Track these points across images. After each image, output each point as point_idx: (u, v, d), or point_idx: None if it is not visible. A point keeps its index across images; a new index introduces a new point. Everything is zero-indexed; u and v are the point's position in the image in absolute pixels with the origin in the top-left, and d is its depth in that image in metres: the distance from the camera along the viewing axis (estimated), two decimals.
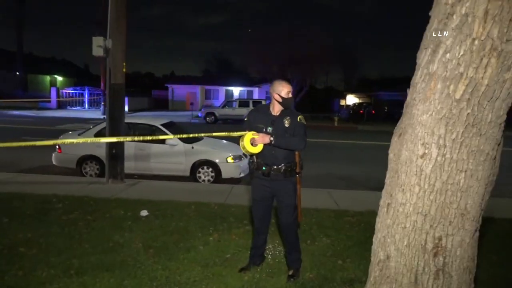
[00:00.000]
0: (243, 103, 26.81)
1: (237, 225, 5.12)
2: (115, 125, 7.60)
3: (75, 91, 32.03)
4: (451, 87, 1.92)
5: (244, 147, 3.46)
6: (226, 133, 3.82)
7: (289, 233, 3.66)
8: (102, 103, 26.07)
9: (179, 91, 39.77)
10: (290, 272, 3.65)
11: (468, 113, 1.94)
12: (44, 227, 4.70)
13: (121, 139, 6.98)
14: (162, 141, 8.41)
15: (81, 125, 17.17)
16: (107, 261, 3.79)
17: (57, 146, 8.64)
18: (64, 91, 33.04)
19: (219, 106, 28.29)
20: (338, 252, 4.35)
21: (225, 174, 8.25)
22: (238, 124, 24.33)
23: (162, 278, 3.50)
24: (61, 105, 31.54)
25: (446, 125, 2.01)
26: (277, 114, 3.50)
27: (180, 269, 3.70)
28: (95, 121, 17.20)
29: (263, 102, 27.31)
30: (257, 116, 3.60)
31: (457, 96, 1.93)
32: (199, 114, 27.30)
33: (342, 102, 46.32)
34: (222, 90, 39.61)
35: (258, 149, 3.46)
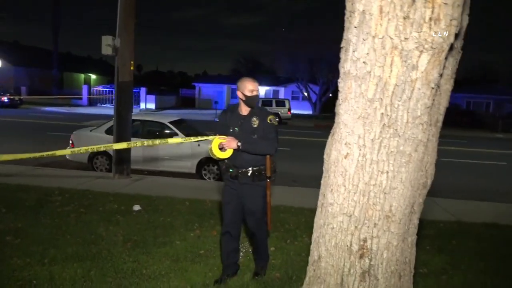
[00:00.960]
0: (266, 102, 26.79)
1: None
2: (122, 122, 7.84)
3: (105, 89, 33.08)
4: (363, 86, 1.89)
5: (211, 152, 3.33)
6: (193, 138, 3.76)
7: (255, 239, 3.57)
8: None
9: (205, 90, 40.31)
10: (256, 270, 3.66)
11: (382, 113, 1.91)
12: (36, 218, 4.93)
13: (132, 144, 7.22)
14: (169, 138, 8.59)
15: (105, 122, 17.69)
16: (82, 252, 3.94)
17: (70, 141, 9.01)
18: (95, 88, 34.21)
19: None
20: None
21: None
22: None
23: (129, 270, 3.61)
24: (92, 102, 32.68)
25: (363, 125, 1.98)
26: (246, 113, 3.35)
27: (149, 263, 3.80)
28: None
29: (287, 102, 27.21)
30: (226, 117, 3.45)
31: (370, 96, 1.89)
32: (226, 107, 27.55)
33: None
34: None
35: (227, 154, 3.32)
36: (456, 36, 1.82)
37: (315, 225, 2.45)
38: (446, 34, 1.67)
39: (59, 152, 3.80)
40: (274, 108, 25.76)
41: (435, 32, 1.66)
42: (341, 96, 2.08)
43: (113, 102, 8.34)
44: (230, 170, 3.37)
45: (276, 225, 5.06)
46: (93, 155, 8.74)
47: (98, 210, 5.44)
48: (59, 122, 19.02)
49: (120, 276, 3.49)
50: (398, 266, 2.22)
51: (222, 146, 3.28)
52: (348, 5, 1.91)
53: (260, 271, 3.64)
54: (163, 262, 3.82)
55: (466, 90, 37.05)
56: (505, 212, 6.53)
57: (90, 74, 46.68)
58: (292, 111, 27.30)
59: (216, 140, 3.30)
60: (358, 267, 2.20)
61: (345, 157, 2.12)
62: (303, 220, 5.47)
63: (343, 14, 1.99)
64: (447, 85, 2.16)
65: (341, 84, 2.05)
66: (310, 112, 36.21)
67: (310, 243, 4.54)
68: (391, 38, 1.74)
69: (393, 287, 2.22)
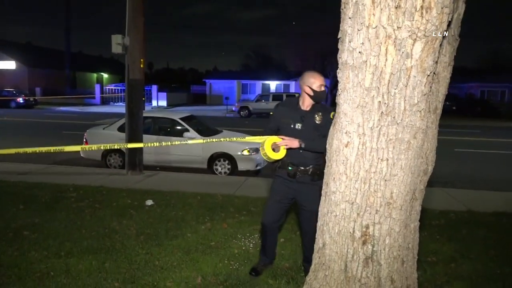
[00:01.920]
0: (277, 97, 26.78)
1: (234, 215, 5.27)
2: (134, 119, 7.98)
3: (117, 87, 33.47)
4: (360, 75, 1.94)
5: (265, 155, 3.13)
6: (242, 139, 3.66)
7: (309, 237, 3.22)
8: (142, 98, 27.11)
9: (216, 85, 40.47)
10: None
11: (379, 101, 1.95)
12: (52, 213, 5.08)
13: (149, 144, 7.42)
14: (180, 135, 8.72)
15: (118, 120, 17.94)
16: (97, 245, 4.07)
17: (84, 140, 9.20)
18: (107, 87, 34.65)
19: (253, 100, 28.52)
20: None
21: (240, 166, 8.42)
22: None
23: (142, 261, 3.72)
24: (104, 101, 33.10)
25: (362, 114, 2.03)
26: (308, 109, 3.15)
27: (162, 254, 3.90)
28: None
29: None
30: (284, 111, 3.24)
31: (367, 85, 1.94)
32: (234, 109, 27.67)
33: None
34: (259, 84, 39.83)
35: (281, 154, 3.13)
36: (450, 23, 1.85)
37: (319, 213, 2.51)
38: (438, 22, 1.70)
39: (67, 148, 3.85)
40: None
41: (427, 20, 1.70)
42: (340, 86, 2.13)
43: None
44: (289, 168, 3.17)
45: (287, 219, 5.13)
46: (107, 153, 8.91)
47: (111, 205, 5.58)
48: (74, 121, 19.35)
49: (134, 268, 3.60)
50: (401, 252, 2.27)
51: (275, 146, 3.10)
52: None
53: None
54: (175, 254, 3.92)
55: (480, 79, 36.44)
56: None
57: (102, 73, 47.27)
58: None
59: (269, 141, 3.09)
60: (361, 253, 2.25)
61: (346, 146, 2.17)
62: None
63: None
64: (445, 72, 2.19)
65: (339, 74, 2.10)
66: None
67: None
68: (384, 28, 1.78)
69: (396, 272, 2.27)
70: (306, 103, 3.16)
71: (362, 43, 1.86)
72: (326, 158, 2.41)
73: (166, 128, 9.11)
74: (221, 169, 8.56)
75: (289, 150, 3.12)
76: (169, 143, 6.27)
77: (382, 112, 1.97)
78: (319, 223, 2.50)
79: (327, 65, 34.39)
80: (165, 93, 33.34)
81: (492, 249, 4.34)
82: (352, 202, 2.21)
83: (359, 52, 1.89)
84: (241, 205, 5.80)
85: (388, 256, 2.23)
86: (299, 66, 35.64)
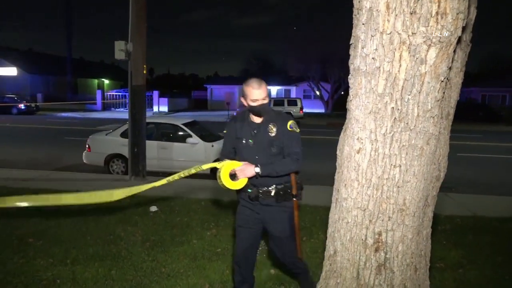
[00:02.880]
0: (278, 102, 26.83)
1: None
2: (137, 125, 7.98)
3: (118, 93, 33.53)
4: (373, 81, 1.93)
5: (223, 185, 2.67)
6: (192, 170, 2.92)
7: (291, 267, 3.02)
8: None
9: (217, 91, 40.52)
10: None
11: (392, 108, 1.94)
12: (56, 220, 5.06)
13: (171, 179, 7.38)
14: (183, 140, 8.71)
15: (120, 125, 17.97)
16: (103, 252, 4.05)
17: (87, 146, 9.18)
18: (108, 93, 34.72)
19: None
20: None
21: None
22: None
23: (148, 269, 3.70)
24: (105, 107, 33.15)
25: (375, 120, 2.01)
26: (259, 121, 2.74)
27: (168, 261, 3.88)
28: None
29: (299, 101, 27.13)
30: (237, 126, 2.84)
31: (380, 91, 1.93)
32: (235, 114, 27.70)
33: None
34: None
35: (241, 183, 2.69)
36: (464, 29, 1.84)
37: (330, 220, 2.49)
38: (453, 28, 1.70)
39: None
40: (286, 108, 25.81)
41: (442, 26, 1.69)
42: (351, 92, 2.12)
43: (127, 106, 8.48)
44: (249, 190, 2.77)
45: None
46: (109, 158, 8.90)
47: (116, 212, 5.55)
48: (75, 127, 19.35)
49: (140, 275, 3.58)
50: (414, 259, 2.25)
51: (233, 173, 2.66)
52: (355, 2, 1.96)
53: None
54: (181, 261, 3.90)
55: (481, 83, 36.49)
56: None
57: (103, 79, 47.36)
58: (304, 110, 27.32)
59: (226, 168, 2.64)
60: (374, 261, 2.23)
61: (358, 152, 2.15)
62: (318, 217, 5.50)
63: (352, 12, 2.03)
64: (457, 78, 2.19)
65: (351, 80, 2.10)
66: (322, 110, 36.13)
67: (326, 239, 4.62)
68: (398, 34, 1.78)
69: (409, 279, 2.24)
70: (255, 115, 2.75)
71: (376, 49, 1.86)
72: (337, 164, 2.39)
73: (168, 133, 9.10)
74: None
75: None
76: (182, 174, 6.22)
77: (395, 118, 1.96)
78: (329, 230, 2.48)
79: (328, 69, 34.49)
80: (166, 99, 33.38)
81: (499, 255, 4.32)
82: (364, 209, 2.20)
83: (373, 58, 1.88)
84: None
85: (401, 264, 2.21)
86: (300, 71, 35.70)
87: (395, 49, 1.81)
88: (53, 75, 40.72)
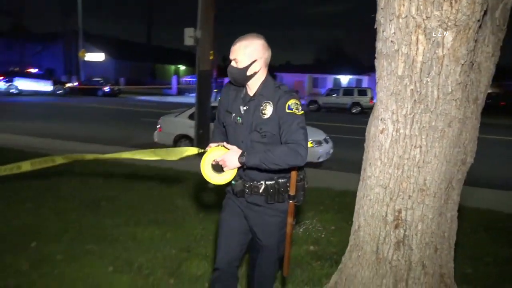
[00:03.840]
0: (347, 91, 26.27)
1: None
2: (203, 108, 8.51)
3: (192, 79, 35.13)
4: (393, 64, 2.02)
5: (205, 174, 2.12)
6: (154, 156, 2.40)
7: (258, 280, 2.31)
8: (214, 90, 28.20)
9: (287, 79, 40.63)
10: None
11: (412, 89, 2.02)
12: (126, 189, 5.68)
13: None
14: None
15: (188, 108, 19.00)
16: (161, 218, 4.53)
17: (158, 126, 9.94)
18: (183, 79, 36.53)
19: (323, 94, 28.25)
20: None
21: None
22: (341, 113, 24.03)
23: (198, 235, 4.09)
24: (180, 92, 34.94)
25: (396, 101, 2.11)
26: (254, 93, 2.11)
27: (216, 231, 4.23)
28: None
29: (369, 91, 26.26)
30: (230, 96, 2.23)
31: (399, 73, 2.02)
32: (303, 102, 27.65)
33: None
34: (330, 78, 39.33)
35: (225, 178, 2.12)
36: (485, 12, 1.86)
37: (357, 197, 2.62)
38: (470, 12, 1.74)
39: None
40: (355, 97, 25.19)
41: (457, 10, 1.74)
42: (377, 75, 2.22)
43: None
44: (232, 182, 2.18)
45: (340, 209, 5.22)
46: (178, 138, 9.56)
47: (178, 186, 6.07)
48: (152, 110, 20.75)
49: (190, 239, 3.98)
50: (434, 239, 2.31)
51: (216, 163, 2.08)
52: None
53: None
54: None
55: None
56: None
57: (179, 66, 49.82)
58: (374, 100, 26.48)
59: (207, 157, 2.10)
60: (393, 237, 2.34)
61: (381, 132, 2.26)
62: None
63: None
64: (488, 63, 2.18)
65: (376, 63, 2.20)
66: None
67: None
68: (413, 18, 1.86)
69: (428, 258, 2.32)
70: (251, 85, 2.11)
71: (394, 33, 1.95)
72: (365, 144, 2.51)
73: None
74: None
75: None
76: None
77: (415, 100, 2.04)
78: (356, 207, 2.61)
79: None
80: None
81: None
82: (385, 187, 2.30)
83: (391, 41, 1.98)
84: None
85: (420, 242, 2.29)
86: (373, 60, 34.48)
87: (411, 32, 1.89)
88: (135, 61, 43.74)
